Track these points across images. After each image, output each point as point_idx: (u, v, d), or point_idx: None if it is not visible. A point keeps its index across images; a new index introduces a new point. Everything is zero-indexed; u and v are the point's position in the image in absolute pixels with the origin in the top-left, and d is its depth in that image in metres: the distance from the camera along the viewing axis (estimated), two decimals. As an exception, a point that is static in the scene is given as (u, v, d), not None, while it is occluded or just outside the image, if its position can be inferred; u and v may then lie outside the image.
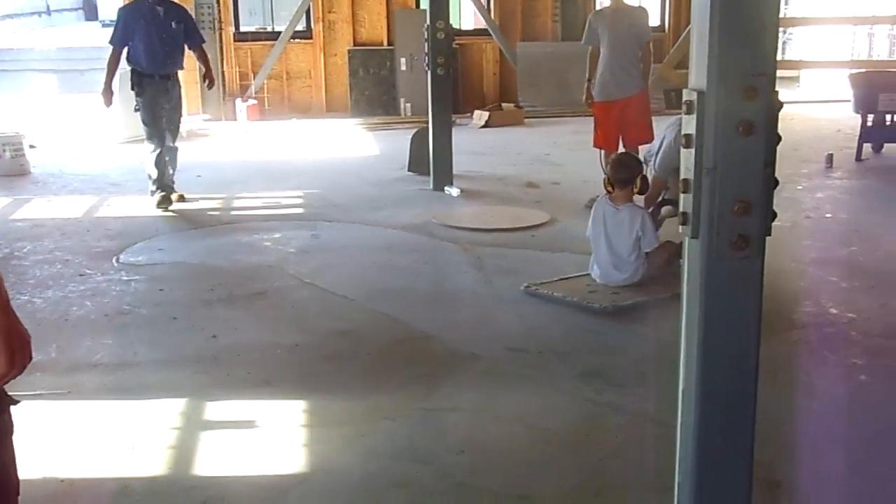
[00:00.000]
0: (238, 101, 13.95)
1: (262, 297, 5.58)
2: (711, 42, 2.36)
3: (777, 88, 2.41)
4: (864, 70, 10.82)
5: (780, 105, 2.49)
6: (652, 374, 4.25)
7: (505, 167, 9.91)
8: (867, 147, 10.25)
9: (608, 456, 3.60)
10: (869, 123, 10.21)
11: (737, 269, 2.49)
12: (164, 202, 7.87)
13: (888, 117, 10.16)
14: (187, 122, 12.63)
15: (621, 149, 7.75)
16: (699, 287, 2.52)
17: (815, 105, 15.29)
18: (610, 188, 5.58)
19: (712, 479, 2.62)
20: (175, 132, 8.18)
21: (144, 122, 7.91)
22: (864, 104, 10.02)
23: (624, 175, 5.55)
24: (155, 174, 7.92)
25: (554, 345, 4.74)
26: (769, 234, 2.54)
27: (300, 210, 7.98)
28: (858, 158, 10.00)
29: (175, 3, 8.33)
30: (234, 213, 7.93)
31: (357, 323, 5.12)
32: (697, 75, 2.43)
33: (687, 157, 2.47)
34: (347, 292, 5.61)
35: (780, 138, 2.52)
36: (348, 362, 4.56)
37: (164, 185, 7.96)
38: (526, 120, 13.63)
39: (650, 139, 7.61)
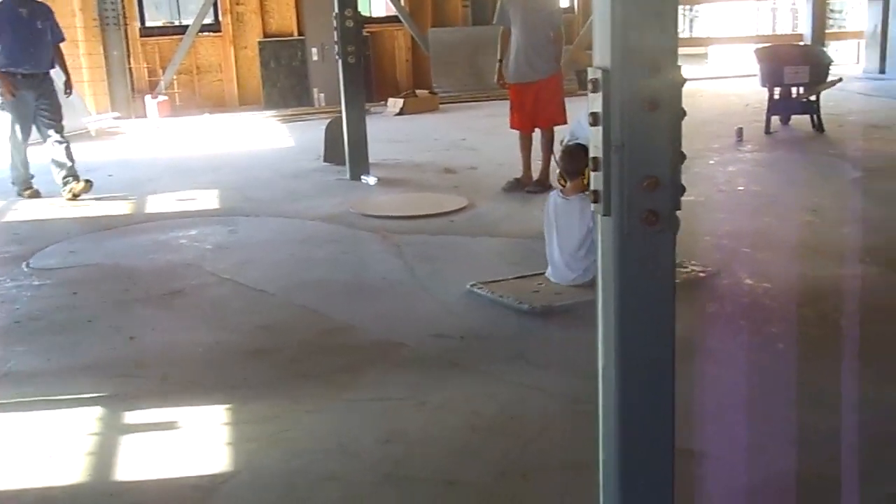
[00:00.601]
0: (148, 97, 13.71)
1: (179, 295, 5.48)
2: (614, 20, 2.37)
3: (686, 65, 2.43)
4: (768, 44, 11.02)
5: (684, 80, 2.51)
6: (575, 353, 4.27)
7: (421, 154, 9.91)
8: (775, 120, 10.48)
9: (534, 438, 3.61)
10: (776, 96, 10.44)
11: (649, 244, 2.51)
12: (25, 191, 8.34)
13: (794, 90, 10.38)
14: (96, 122, 12.41)
15: (538, 131, 7.81)
16: (613, 263, 2.54)
17: (724, 80, 15.59)
18: (562, 181, 5.40)
19: (635, 454, 2.64)
20: (58, 127, 8.28)
21: (12, 121, 8.16)
22: (770, 78, 10.23)
23: (573, 166, 5.24)
24: (19, 171, 8.35)
25: (477, 330, 4.74)
26: (679, 209, 2.56)
27: (217, 206, 7.87)
28: (767, 131, 10.22)
29: (38, 2, 8.29)
30: (148, 211, 7.79)
31: (278, 317, 5.06)
32: (601, 54, 2.44)
33: (595, 135, 2.48)
34: (266, 287, 5.54)
35: (684, 113, 2.54)
36: (270, 357, 4.50)
37: (25, 179, 8.40)
38: (441, 106, 13.64)
39: (564, 121, 7.68)
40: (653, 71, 2.39)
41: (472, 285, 5.21)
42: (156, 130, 12.66)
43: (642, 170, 2.46)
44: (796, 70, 10.04)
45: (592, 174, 2.53)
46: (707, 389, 3.92)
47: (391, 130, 11.76)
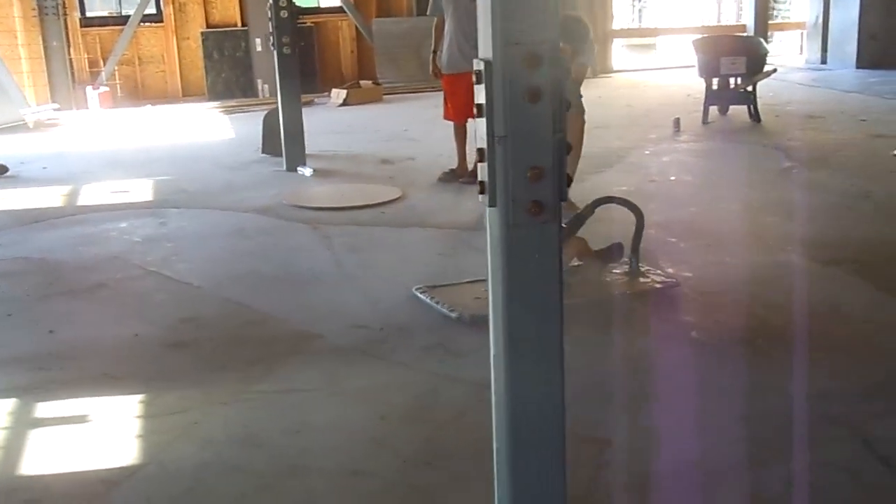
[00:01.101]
0: (89, 88, 13.56)
1: (103, 288, 5.44)
2: (494, 11, 2.39)
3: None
4: (706, 35, 11.12)
5: (567, 72, 2.55)
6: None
7: (361, 145, 9.90)
8: (714, 110, 10.58)
9: (443, 426, 3.64)
10: (714, 87, 10.55)
11: (534, 235, 2.54)
12: None
13: (732, 80, 10.49)
14: (35, 113, 12.25)
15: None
16: (500, 254, 2.57)
17: (671, 71, 15.68)
18: None
19: (525, 442, 2.67)
20: None
21: None
22: (708, 69, 10.33)
23: None
24: None
25: (399, 321, 4.74)
26: (564, 199, 2.59)
27: (150, 198, 7.81)
28: (705, 122, 10.32)
29: None
30: (80, 203, 7.70)
31: (201, 310, 5.04)
32: (484, 46, 2.46)
33: (480, 126, 2.50)
34: (192, 279, 5.52)
35: (568, 105, 2.57)
36: (189, 350, 4.49)
37: None
38: (385, 96, 13.62)
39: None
40: (533, 63, 2.41)
41: (416, 289, 5.00)
42: (96, 122, 12.51)
43: (526, 161, 2.48)
44: (733, 61, 10.14)
45: (479, 165, 2.56)
46: (620, 378, 3.98)
47: (333, 121, 11.74)
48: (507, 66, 2.42)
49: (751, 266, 5.32)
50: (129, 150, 10.35)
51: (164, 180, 8.41)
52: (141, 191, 8.06)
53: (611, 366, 4.07)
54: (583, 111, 6.77)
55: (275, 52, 8.43)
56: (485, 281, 4.86)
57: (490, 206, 2.55)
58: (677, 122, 10.01)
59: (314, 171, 8.39)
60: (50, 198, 7.88)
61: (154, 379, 4.16)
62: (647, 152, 8.87)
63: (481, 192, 2.57)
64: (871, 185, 7.07)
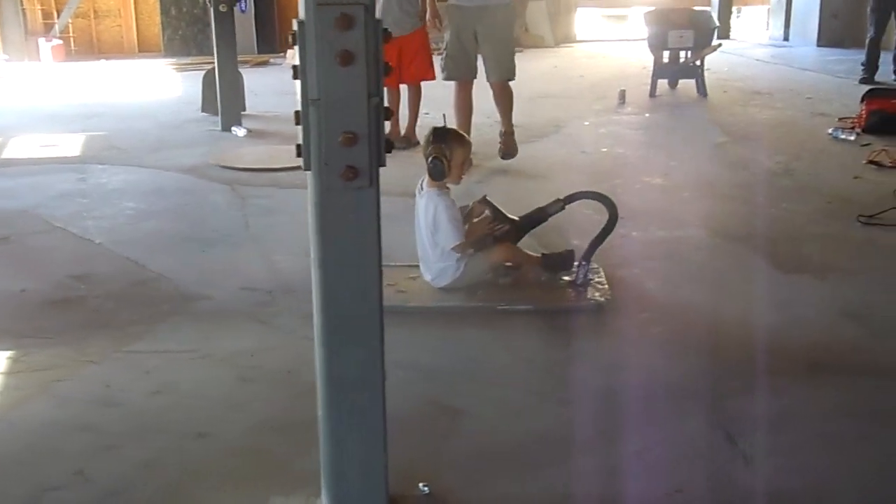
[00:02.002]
0: (41, 40, 13.40)
1: (3, 242, 5.39)
2: (305, -29, 2.35)
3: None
4: (654, 8, 11.06)
5: (387, 36, 2.50)
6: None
7: (304, 107, 9.80)
8: (663, 84, 10.55)
9: (304, 394, 3.57)
10: (665, 60, 10.51)
11: (350, 200, 2.52)
12: None
13: (682, 54, 10.46)
14: (-19, 64, 12.08)
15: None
16: (316, 218, 2.54)
17: (634, 43, 15.56)
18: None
19: (344, 411, 2.66)
20: None
21: None
22: (656, 41, 10.28)
23: (427, 151, 4.43)
24: None
25: (291, 285, 4.69)
26: (383, 165, 2.56)
27: (77, 154, 7.73)
28: (652, 95, 10.30)
29: None
30: (3, 157, 7.61)
31: (96, 267, 4.99)
32: (300, 6, 2.43)
33: (296, 89, 2.46)
34: (95, 237, 5.47)
35: (389, 69, 2.53)
36: (72, 307, 4.45)
37: None
38: (341, 59, 13.47)
39: (431, 77, 7.68)
40: (344, 24, 2.37)
41: None
42: (45, 75, 12.36)
43: (339, 125, 2.45)
44: (681, 34, 10.10)
45: (298, 128, 2.52)
46: (508, 350, 3.97)
47: (286, 82, 11.56)
48: (319, 27, 2.38)
49: (653, 241, 5.32)
50: (72, 104, 10.24)
51: (98, 136, 8.34)
52: (71, 146, 7.98)
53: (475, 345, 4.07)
54: None
55: (211, 11, 8.33)
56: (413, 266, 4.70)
57: (305, 169, 2.53)
58: (623, 94, 9.97)
59: (248, 131, 8.33)
60: (-26, 149, 7.80)
61: (29, 336, 4.11)
62: (586, 123, 8.84)
63: (298, 156, 2.55)
64: (797, 163, 7.06)
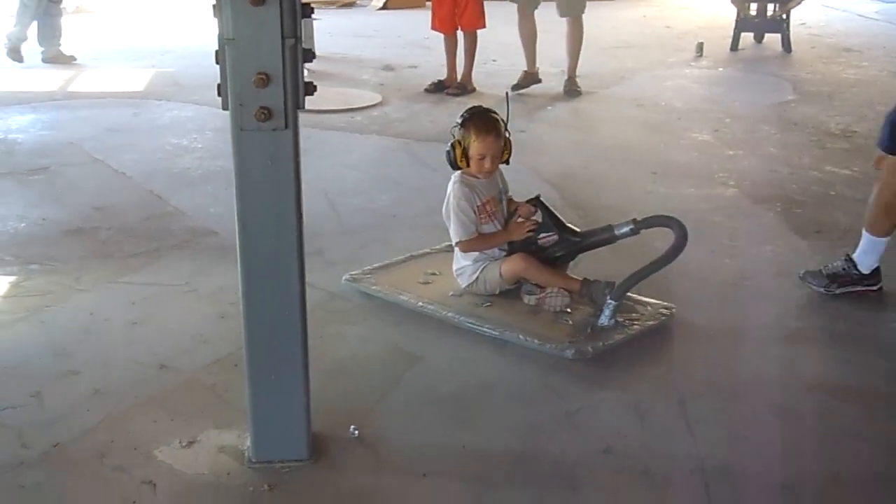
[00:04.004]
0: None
1: (41, 172, 5.57)
2: None
3: None
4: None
5: (305, -22, 2.47)
6: (369, 256, 4.30)
7: (374, 49, 9.81)
8: (748, 37, 10.20)
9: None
10: (753, 13, 10.15)
11: (265, 140, 2.52)
12: None
13: (770, 7, 10.07)
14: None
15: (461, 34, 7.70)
16: (234, 158, 2.56)
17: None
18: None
19: (265, 353, 2.69)
20: None
21: None
22: (739, -7, 9.92)
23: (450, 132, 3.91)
24: None
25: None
26: (301, 108, 2.55)
27: (140, 89, 7.89)
28: (734, 48, 9.97)
29: None
30: (70, 89, 7.83)
31: (119, 199, 5.12)
32: (215, -56, 2.42)
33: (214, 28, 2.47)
34: (129, 170, 5.61)
35: (310, 10, 2.51)
36: (84, 237, 4.58)
37: None
38: (428, 3, 13.40)
39: (482, 25, 7.63)
40: (255, -38, 2.35)
41: (346, 278, 4.04)
42: (130, 10, 12.56)
43: (252, 66, 2.45)
44: (765, -14, 9.71)
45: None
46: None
47: (363, 25, 11.66)
48: (230, -34, 2.37)
49: (680, 198, 5.18)
50: (152, 39, 10.42)
51: (164, 72, 8.50)
52: (136, 81, 8.15)
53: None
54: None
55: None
56: (420, 257, 4.27)
57: (224, 109, 2.54)
58: (700, 46, 9.67)
59: (309, 72, 8.36)
60: (47, 81, 8.03)
61: (35, 262, 4.25)
62: (654, 75, 8.62)
63: (218, 94, 2.56)
64: (859, 125, 6.76)
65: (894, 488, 2.76)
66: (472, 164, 3.81)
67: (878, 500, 2.71)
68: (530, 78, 7.66)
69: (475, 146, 3.78)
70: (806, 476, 2.77)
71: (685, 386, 3.24)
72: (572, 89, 7.64)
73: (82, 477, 2.72)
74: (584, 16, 7.60)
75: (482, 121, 3.81)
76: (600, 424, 3.01)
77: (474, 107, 3.93)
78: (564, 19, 7.64)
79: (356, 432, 2.91)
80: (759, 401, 3.17)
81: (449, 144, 3.85)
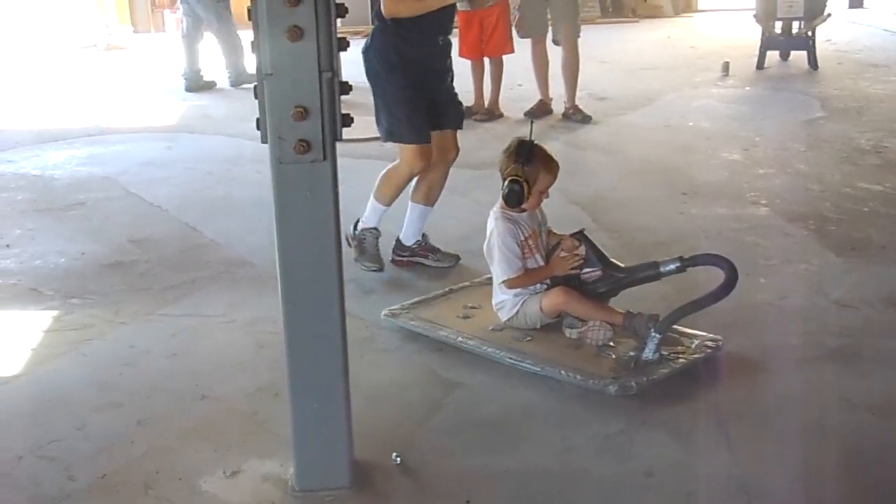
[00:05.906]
0: (167, 12, 13.84)
1: (78, 207, 5.66)
2: (254, -53, 2.39)
3: None
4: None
5: (344, 11, 2.52)
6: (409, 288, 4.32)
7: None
8: (773, 55, 10.19)
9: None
10: (778, 31, 10.14)
11: (304, 173, 2.57)
12: None
13: (795, 24, 10.06)
14: (109, 35, 12.59)
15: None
16: (274, 190, 2.60)
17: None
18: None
19: (306, 378, 2.72)
20: None
21: None
22: (764, 10, 9.92)
23: (507, 170, 3.76)
24: None
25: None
26: (339, 139, 2.60)
27: (172, 122, 8.02)
28: (760, 67, 9.96)
29: None
30: (105, 125, 7.94)
31: (155, 232, 5.20)
32: (252, -18, 2.47)
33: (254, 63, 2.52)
34: (164, 203, 5.69)
35: (346, 44, 2.56)
36: (123, 270, 4.65)
37: None
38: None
39: (510, 50, 7.68)
40: (293, 0, 2.40)
41: (385, 314, 3.99)
42: (168, 46, 12.73)
43: (290, 99, 2.49)
44: (790, 3, 9.69)
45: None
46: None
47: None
48: (268, 3, 2.42)
49: (709, 217, 5.19)
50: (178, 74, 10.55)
51: (196, 105, 8.62)
52: (169, 115, 8.28)
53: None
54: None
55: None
56: (459, 291, 4.23)
57: (262, 142, 2.59)
58: (726, 65, 9.68)
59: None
60: (80, 116, 8.15)
61: (75, 296, 4.32)
62: (680, 96, 8.63)
63: (257, 128, 2.61)
64: (890, 141, 6.73)
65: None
66: (532, 198, 3.75)
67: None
68: (544, 108, 7.75)
69: (545, 180, 3.74)
70: (846, 494, 2.76)
71: (725, 406, 3.24)
72: (582, 117, 7.66)
73: (129, 508, 2.76)
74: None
75: (544, 153, 3.78)
76: (641, 447, 3.02)
77: (522, 140, 3.80)
78: (559, 48, 7.73)
79: (398, 459, 2.93)
80: (799, 420, 3.16)
81: (509, 182, 3.70)
